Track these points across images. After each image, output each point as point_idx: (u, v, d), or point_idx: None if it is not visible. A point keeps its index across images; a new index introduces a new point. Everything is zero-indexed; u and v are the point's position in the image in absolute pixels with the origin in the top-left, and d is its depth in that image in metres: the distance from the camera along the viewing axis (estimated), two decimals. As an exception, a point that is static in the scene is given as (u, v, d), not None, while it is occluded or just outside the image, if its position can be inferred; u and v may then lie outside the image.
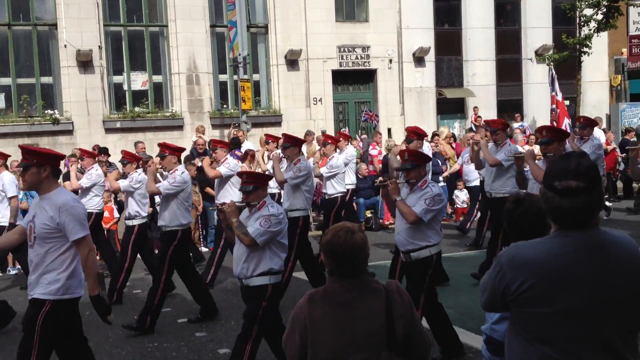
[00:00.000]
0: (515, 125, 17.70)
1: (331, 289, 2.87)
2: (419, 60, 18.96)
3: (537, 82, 20.28)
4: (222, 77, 17.48)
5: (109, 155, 12.48)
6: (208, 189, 11.06)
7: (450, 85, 19.62)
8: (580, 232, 2.33)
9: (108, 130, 15.88)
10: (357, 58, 18.35)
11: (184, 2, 16.41)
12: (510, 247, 2.47)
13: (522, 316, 2.37)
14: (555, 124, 14.64)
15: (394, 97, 18.83)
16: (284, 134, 8.62)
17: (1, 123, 15.22)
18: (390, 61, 18.62)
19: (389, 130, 18.09)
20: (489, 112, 19.30)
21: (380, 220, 12.82)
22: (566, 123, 15.18)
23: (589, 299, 2.28)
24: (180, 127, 16.46)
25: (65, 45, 15.44)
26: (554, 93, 14.72)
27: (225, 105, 17.42)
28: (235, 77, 16.24)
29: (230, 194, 8.27)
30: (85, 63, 15.60)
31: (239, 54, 15.58)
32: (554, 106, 14.84)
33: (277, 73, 17.54)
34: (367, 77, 18.78)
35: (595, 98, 21.13)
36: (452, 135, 15.52)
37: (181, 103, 16.63)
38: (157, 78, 16.89)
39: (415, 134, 8.92)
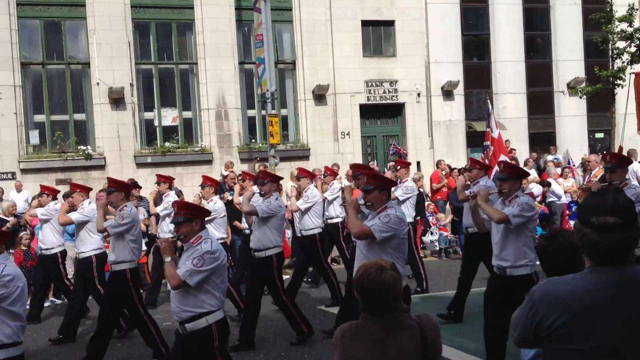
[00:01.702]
0: (549, 157, 17.40)
1: (362, 327, 2.87)
2: (447, 93, 18.90)
3: (570, 114, 20.03)
4: (251, 113, 17.66)
5: (140, 188, 12.65)
6: (236, 223, 11.03)
7: (481, 118, 19.41)
8: (615, 269, 2.31)
9: (139, 165, 16.10)
10: (384, 92, 18.37)
11: (213, 40, 16.71)
12: (544, 282, 2.44)
13: (555, 352, 2.35)
14: (487, 162, 13.47)
15: (423, 131, 18.75)
16: (108, 178, 7.74)
17: (35, 158, 15.55)
18: (419, 95, 18.59)
19: (418, 163, 17.96)
20: (521, 145, 19.09)
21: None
22: (503, 160, 13.57)
23: (623, 336, 2.25)
24: (209, 162, 16.60)
25: (97, 83, 15.80)
26: (488, 129, 13.68)
27: (253, 140, 17.55)
28: (264, 112, 16.39)
29: (89, 240, 7.92)
30: (117, 100, 15.92)
31: (267, 90, 15.72)
32: (487, 143, 13.72)
33: (304, 108, 17.65)
34: (395, 110, 18.76)
35: (630, 130, 20.69)
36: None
37: (210, 138, 16.81)
38: (187, 114, 17.13)
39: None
